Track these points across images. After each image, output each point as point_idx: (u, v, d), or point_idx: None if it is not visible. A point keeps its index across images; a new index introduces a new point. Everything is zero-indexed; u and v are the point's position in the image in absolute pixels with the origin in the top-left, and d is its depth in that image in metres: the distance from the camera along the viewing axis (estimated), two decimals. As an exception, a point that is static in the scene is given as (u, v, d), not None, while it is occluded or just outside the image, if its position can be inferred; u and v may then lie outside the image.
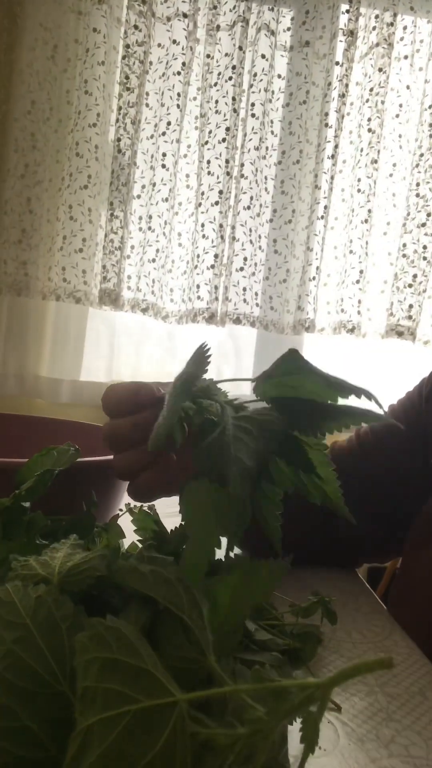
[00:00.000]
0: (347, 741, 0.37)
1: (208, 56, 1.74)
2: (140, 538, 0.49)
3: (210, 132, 1.75)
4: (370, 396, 0.32)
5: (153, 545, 0.44)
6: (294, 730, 0.36)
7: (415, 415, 0.67)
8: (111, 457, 0.51)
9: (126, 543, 0.49)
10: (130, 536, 0.49)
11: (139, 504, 0.51)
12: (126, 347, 1.88)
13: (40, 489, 0.41)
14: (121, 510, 0.53)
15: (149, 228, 1.75)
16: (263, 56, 1.74)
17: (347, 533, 0.66)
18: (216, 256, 1.75)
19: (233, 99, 1.73)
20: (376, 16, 1.75)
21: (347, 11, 1.74)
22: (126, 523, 0.48)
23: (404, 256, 1.76)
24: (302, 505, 0.61)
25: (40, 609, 0.24)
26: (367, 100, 1.75)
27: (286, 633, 0.44)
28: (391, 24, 1.74)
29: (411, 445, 0.65)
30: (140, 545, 0.47)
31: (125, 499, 0.57)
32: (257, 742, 0.25)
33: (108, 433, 0.44)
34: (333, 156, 1.74)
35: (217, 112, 1.74)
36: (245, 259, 1.77)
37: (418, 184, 1.76)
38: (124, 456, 0.45)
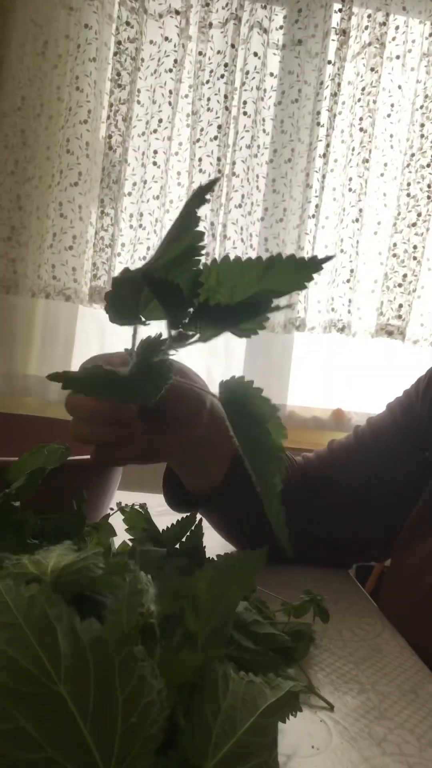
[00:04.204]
0: (340, 740, 0.37)
1: (200, 54, 1.73)
2: (131, 537, 0.49)
3: (202, 130, 1.74)
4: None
5: (146, 538, 0.45)
6: (284, 730, 0.36)
7: (412, 411, 0.67)
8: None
9: (117, 542, 0.48)
10: (122, 535, 0.49)
11: (130, 503, 0.51)
12: (117, 346, 1.87)
13: (31, 488, 0.40)
14: (112, 509, 0.53)
15: (140, 225, 1.75)
16: (255, 54, 1.74)
17: (342, 529, 0.66)
18: (207, 254, 1.75)
19: (225, 97, 1.72)
20: (369, 16, 1.75)
21: (340, 10, 1.74)
22: (117, 521, 0.48)
23: (394, 255, 1.77)
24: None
25: (33, 608, 0.24)
26: (359, 100, 1.75)
27: (279, 631, 0.44)
28: (384, 23, 1.74)
29: (407, 442, 0.66)
30: (131, 544, 0.47)
31: (116, 498, 0.57)
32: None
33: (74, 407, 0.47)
34: (324, 155, 1.74)
35: (208, 109, 1.74)
36: (236, 257, 1.77)
37: (408, 184, 1.76)
38: (104, 450, 0.47)
